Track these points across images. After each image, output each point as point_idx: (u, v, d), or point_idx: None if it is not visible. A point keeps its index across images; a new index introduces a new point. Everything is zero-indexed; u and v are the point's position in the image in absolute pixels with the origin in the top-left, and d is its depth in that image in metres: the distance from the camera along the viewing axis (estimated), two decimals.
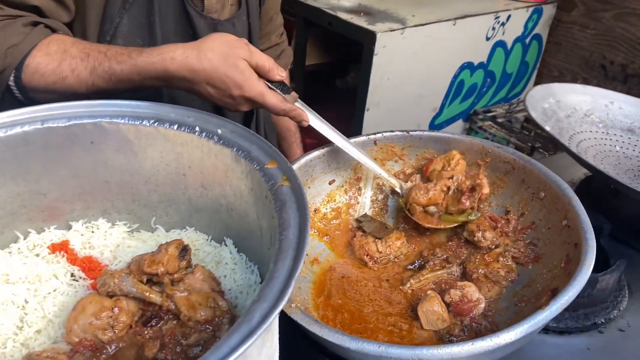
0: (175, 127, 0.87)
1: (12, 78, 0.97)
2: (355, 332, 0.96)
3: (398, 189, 1.16)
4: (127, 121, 0.88)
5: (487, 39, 2.41)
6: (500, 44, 2.47)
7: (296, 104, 1.05)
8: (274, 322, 0.66)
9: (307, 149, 1.17)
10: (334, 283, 1.07)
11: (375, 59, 2.03)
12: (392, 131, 1.18)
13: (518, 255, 1.05)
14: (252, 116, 1.48)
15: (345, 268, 1.11)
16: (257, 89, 1.00)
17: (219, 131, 0.86)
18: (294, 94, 1.05)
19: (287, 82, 1.12)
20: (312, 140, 2.33)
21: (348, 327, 0.97)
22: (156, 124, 0.87)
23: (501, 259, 1.05)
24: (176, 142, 0.88)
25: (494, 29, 2.39)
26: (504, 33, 2.44)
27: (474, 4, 2.41)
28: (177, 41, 1.18)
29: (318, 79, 2.79)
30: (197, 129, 0.87)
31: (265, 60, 1.01)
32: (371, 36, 2.01)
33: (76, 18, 1.14)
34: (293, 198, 0.73)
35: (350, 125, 2.29)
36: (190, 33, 1.22)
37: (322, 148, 1.13)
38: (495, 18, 2.36)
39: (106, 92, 1.00)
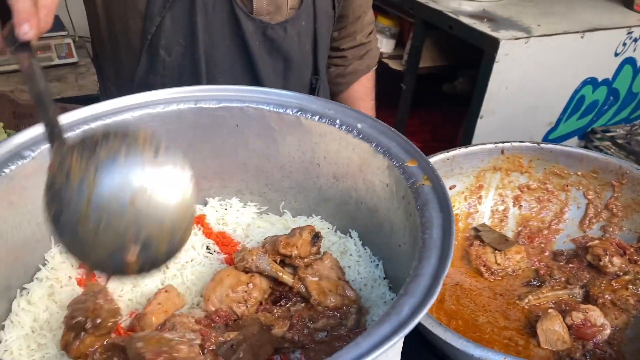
0: (317, 118, 0.90)
1: None
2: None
3: None
4: (272, 108, 0.91)
5: (616, 54, 2.27)
6: (630, 61, 2.32)
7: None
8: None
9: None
10: (447, 288, 1.06)
11: (495, 67, 1.98)
12: (521, 141, 1.15)
13: None
14: (314, 93, 1.40)
15: (459, 276, 1.10)
16: None
17: (359, 125, 0.87)
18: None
19: (369, 94, 1.08)
20: (417, 144, 2.31)
21: (463, 335, 0.96)
22: (299, 113, 0.90)
23: (630, 286, 1.00)
24: (315, 133, 0.91)
25: (624, 44, 2.25)
26: (635, 50, 2.29)
27: (604, 16, 2.28)
28: (224, 44, 1.17)
29: (427, 82, 2.76)
30: (337, 121, 0.89)
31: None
32: (494, 43, 1.96)
33: (115, 14, 1.13)
34: (435, 198, 0.73)
35: (459, 132, 2.25)
36: (239, 35, 1.16)
37: (447, 152, 1.12)
38: (628, 33, 2.22)
39: None
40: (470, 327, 0.98)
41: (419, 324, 0.82)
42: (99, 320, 0.70)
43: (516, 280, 1.09)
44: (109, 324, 0.72)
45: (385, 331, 0.54)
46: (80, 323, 0.71)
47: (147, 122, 0.89)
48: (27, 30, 0.63)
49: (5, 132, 2.33)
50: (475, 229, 1.15)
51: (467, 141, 2.19)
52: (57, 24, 3.02)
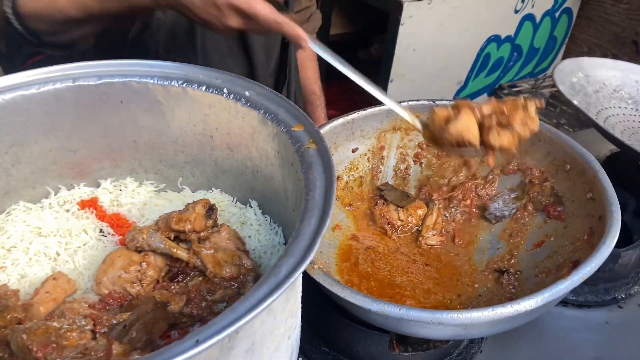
0: (204, 88, 0.88)
1: (9, 4, 0.95)
2: (385, 297, 0.98)
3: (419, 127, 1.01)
4: (156, 81, 0.88)
5: (516, 11, 2.36)
6: (529, 17, 2.42)
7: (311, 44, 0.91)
8: (298, 279, 0.67)
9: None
10: (360, 252, 1.08)
11: (401, 29, 2.01)
12: (418, 100, 1.17)
13: (543, 199, 1.05)
14: (285, 81, 1.48)
15: (370, 241, 1.12)
16: None
17: (247, 93, 0.86)
18: (293, 15, 0.89)
19: (314, 55, 1.10)
20: (335, 112, 2.32)
21: (379, 295, 0.99)
22: (185, 84, 0.88)
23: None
24: (204, 104, 0.89)
25: (523, 1, 2.34)
26: (533, 6, 2.39)
27: None
28: None
29: (341, 49, 2.77)
30: (225, 90, 0.87)
31: None
32: (398, 6, 1.99)
33: None
34: (319, 160, 0.73)
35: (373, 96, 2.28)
36: None
37: (347, 115, 1.13)
38: None
39: (98, 15, 0.95)
40: (385, 286, 1.01)
41: (322, 286, 0.83)
42: (1, 308, 0.68)
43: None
44: (9, 317, 0.70)
45: (262, 293, 0.54)
46: None
47: (22, 104, 0.84)
48: None
49: None
50: (379, 189, 1.17)
51: (379, 104, 2.22)
52: None
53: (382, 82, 2.15)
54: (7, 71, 1.43)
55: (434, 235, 1.11)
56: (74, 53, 1.08)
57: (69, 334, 0.66)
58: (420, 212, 1.12)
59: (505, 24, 2.37)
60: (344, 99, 2.88)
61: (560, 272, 0.91)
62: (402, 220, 1.10)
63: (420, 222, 1.12)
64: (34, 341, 0.62)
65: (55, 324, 0.66)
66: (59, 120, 0.88)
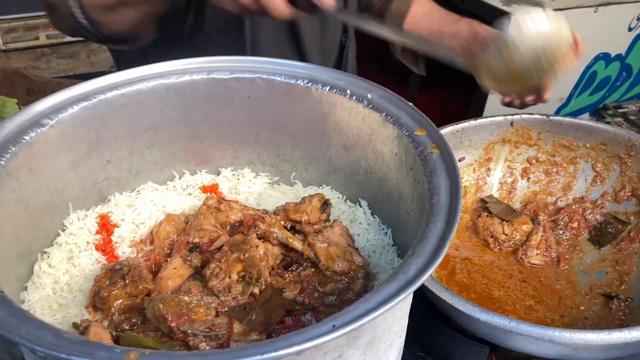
0: (327, 88, 0.91)
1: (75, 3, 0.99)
2: None
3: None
4: (283, 79, 0.92)
5: (630, 29, 2.25)
6: None
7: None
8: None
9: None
10: (458, 261, 1.08)
11: None
12: (530, 114, 1.16)
13: None
14: (343, 50, 1.44)
15: (468, 251, 1.11)
16: None
17: (369, 95, 0.88)
18: None
19: None
20: None
21: None
22: (310, 84, 0.92)
23: None
24: (326, 103, 0.92)
25: (638, 19, 2.23)
26: None
27: None
28: None
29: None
30: (348, 91, 0.90)
31: None
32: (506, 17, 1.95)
33: None
34: (443, 165, 0.74)
35: (469, 108, 2.25)
36: None
37: (457, 124, 1.13)
38: None
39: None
40: (485, 299, 1.01)
41: (428, 290, 0.84)
42: (136, 278, 0.74)
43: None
44: (141, 287, 0.76)
45: (393, 289, 0.56)
46: (120, 271, 0.75)
47: (162, 92, 0.91)
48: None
49: (20, 108, 2.36)
50: (483, 200, 1.16)
51: (477, 116, 2.19)
52: None
53: (481, 93, 2.12)
54: (118, 61, 1.53)
55: (537, 254, 1.09)
56: (135, 48, 1.15)
57: (197, 309, 0.70)
58: (525, 227, 1.10)
59: (617, 41, 2.27)
60: (435, 107, 2.87)
61: None
62: (506, 234, 1.09)
63: (525, 238, 1.10)
64: (169, 311, 0.68)
65: (186, 298, 0.71)
66: (192, 109, 0.94)
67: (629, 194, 1.11)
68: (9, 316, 0.53)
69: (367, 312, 0.53)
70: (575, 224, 1.12)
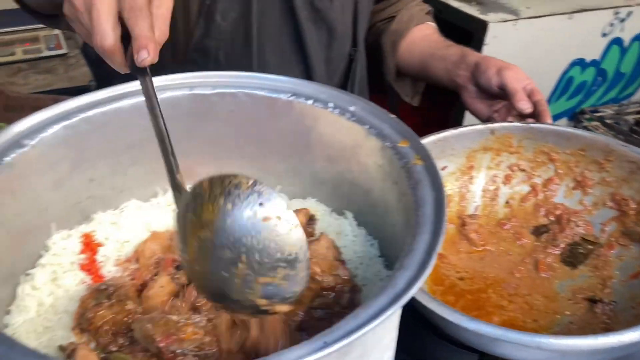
0: (311, 101, 0.91)
1: None
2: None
3: None
4: (265, 93, 0.93)
5: (603, 35, 2.30)
6: (617, 41, 2.35)
7: None
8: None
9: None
10: (446, 271, 1.09)
11: (484, 49, 2.00)
12: (511, 121, 1.17)
13: None
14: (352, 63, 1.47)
15: (453, 254, 1.12)
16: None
17: (352, 108, 0.89)
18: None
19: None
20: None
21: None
22: (292, 97, 0.92)
23: None
24: (309, 116, 0.92)
25: (611, 25, 2.28)
26: (622, 30, 2.32)
27: None
28: (274, 13, 1.25)
29: None
30: (331, 104, 0.90)
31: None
32: (482, 26, 1.98)
33: None
34: (427, 177, 0.75)
35: (451, 115, 2.27)
36: (288, 5, 1.25)
37: (439, 133, 1.14)
38: (615, 14, 2.25)
39: None
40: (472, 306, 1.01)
41: (416, 301, 0.85)
42: (123, 297, 0.73)
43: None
44: (127, 306, 0.75)
45: (382, 303, 0.56)
46: (106, 291, 0.74)
47: (143, 109, 0.90)
48: (145, 56, 0.69)
49: None
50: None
51: (459, 123, 2.22)
52: None
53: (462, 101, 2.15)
54: (97, 75, 1.52)
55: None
56: (58, 27, 1.15)
57: (185, 328, 0.70)
58: None
59: (592, 47, 2.32)
60: (417, 115, 2.89)
61: None
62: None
63: None
64: (157, 331, 0.67)
65: (174, 317, 0.70)
66: (174, 126, 0.93)
67: (608, 199, 1.13)
68: None
69: (358, 327, 0.53)
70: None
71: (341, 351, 0.57)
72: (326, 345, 0.51)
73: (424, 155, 0.78)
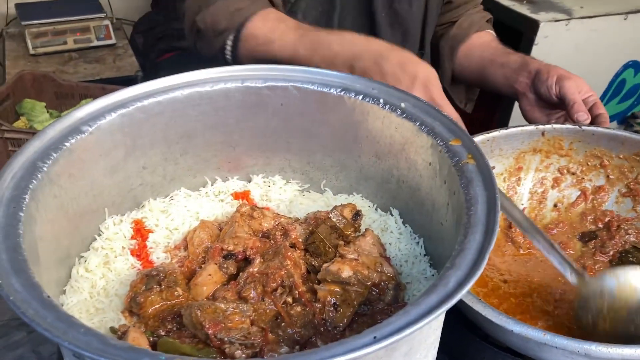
0: (361, 97, 0.91)
1: (231, 37, 1.08)
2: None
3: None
4: (316, 87, 0.93)
5: None
6: None
7: None
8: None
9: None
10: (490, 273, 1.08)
11: (534, 49, 1.96)
12: (562, 123, 1.15)
13: None
14: None
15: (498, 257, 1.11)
16: None
17: (403, 104, 0.89)
18: None
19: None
20: None
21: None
22: (343, 92, 0.92)
23: None
24: (358, 112, 0.92)
25: None
26: None
27: None
28: (353, 13, 1.27)
29: None
30: (381, 100, 0.90)
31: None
32: (533, 25, 1.94)
33: None
34: (479, 177, 0.74)
35: (494, 115, 2.24)
36: (368, 6, 1.27)
37: (488, 132, 1.13)
38: None
39: (300, 63, 1.07)
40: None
41: (461, 301, 0.84)
42: (172, 284, 0.75)
43: None
44: (176, 293, 0.77)
45: (432, 301, 0.56)
46: (157, 277, 0.76)
47: (197, 100, 0.92)
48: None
49: (48, 112, 2.40)
50: None
51: (503, 124, 2.18)
52: (95, 6, 3.09)
53: (508, 100, 2.11)
54: (143, 66, 1.59)
55: None
56: None
57: (233, 316, 0.71)
58: None
59: None
60: (459, 114, 2.86)
61: None
62: None
63: None
64: (206, 318, 0.68)
65: (222, 305, 0.71)
66: (225, 117, 0.95)
67: None
68: (56, 321, 0.54)
69: (408, 324, 0.53)
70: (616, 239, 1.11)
71: (390, 347, 0.57)
72: (376, 340, 0.52)
73: (477, 155, 0.77)
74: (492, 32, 1.53)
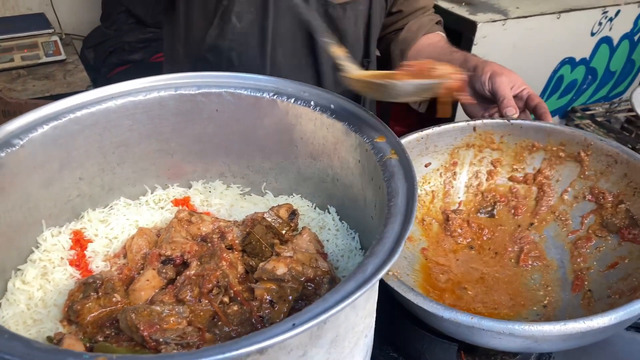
0: (292, 100, 0.94)
1: None
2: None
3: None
4: (249, 92, 0.96)
5: (592, 34, 2.33)
6: (606, 40, 2.38)
7: None
8: (375, 283, 0.71)
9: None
10: (432, 266, 1.11)
11: (473, 49, 2.03)
12: (492, 118, 1.20)
13: (617, 222, 1.05)
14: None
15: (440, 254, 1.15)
16: None
17: (332, 106, 0.92)
18: None
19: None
20: (400, 128, 2.35)
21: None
22: (275, 96, 0.95)
23: None
24: (292, 115, 0.95)
25: (600, 24, 2.31)
26: (610, 29, 2.35)
27: None
28: (288, 19, 1.28)
29: None
30: (312, 103, 0.93)
31: None
32: (471, 26, 2.01)
33: None
34: (401, 170, 0.78)
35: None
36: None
37: (421, 131, 1.17)
38: (603, 13, 2.28)
39: None
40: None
41: (395, 292, 0.87)
42: (109, 290, 0.76)
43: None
44: (113, 299, 0.78)
45: (350, 287, 0.59)
46: (94, 284, 0.77)
47: (131, 109, 0.93)
48: None
49: None
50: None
51: (452, 119, 2.25)
52: (43, 22, 3.05)
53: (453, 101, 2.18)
54: (95, 81, 1.58)
55: None
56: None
57: (168, 318, 0.73)
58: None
59: (581, 46, 2.35)
60: (411, 116, 2.92)
61: (636, 294, 0.91)
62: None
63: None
64: (141, 321, 0.70)
65: (157, 307, 0.73)
66: (160, 125, 0.97)
67: (586, 193, 1.15)
68: None
69: (325, 309, 0.56)
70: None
71: (313, 333, 0.60)
72: (294, 326, 0.54)
73: (398, 150, 0.81)
74: (442, 33, 1.57)
